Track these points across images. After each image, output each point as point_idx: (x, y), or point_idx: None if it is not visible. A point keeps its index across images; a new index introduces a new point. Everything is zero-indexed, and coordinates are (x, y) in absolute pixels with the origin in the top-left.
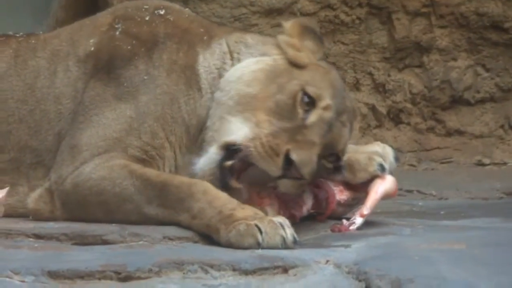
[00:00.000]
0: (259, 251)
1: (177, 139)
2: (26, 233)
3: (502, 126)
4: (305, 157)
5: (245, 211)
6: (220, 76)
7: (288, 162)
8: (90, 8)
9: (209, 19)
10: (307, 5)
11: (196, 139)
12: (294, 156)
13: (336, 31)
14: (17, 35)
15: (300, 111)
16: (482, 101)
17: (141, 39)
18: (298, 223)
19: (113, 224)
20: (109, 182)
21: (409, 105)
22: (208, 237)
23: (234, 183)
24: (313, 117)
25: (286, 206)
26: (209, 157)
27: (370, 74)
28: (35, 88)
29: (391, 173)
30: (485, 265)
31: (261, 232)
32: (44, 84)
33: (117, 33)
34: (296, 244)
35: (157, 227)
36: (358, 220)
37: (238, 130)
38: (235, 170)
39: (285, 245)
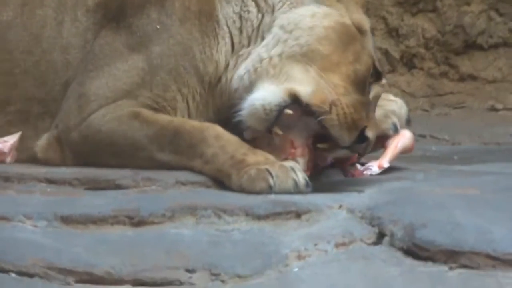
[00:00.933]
0: (272, 196)
1: (190, 90)
2: (38, 178)
3: None
4: (374, 137)
5: (257, 157)
6: (242, 19)
7: (362, 138)
8: None
9: None
10: None
11: (213, 87)
12: (370, 134)
13: None
14: None
15: (367, 85)
16: (495, 46)
17: None
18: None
19: (126, 169)
20: (120, 134)
21: (422, 50)
22: (221, 182)
23: (277, 130)
24: (373, 92)
25: (314, 157)
26: (273, 98)
27: (383, 18)
28: (42, 39)
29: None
30: (498, 210)
31: (272, 176)
32: (50, 34)
33: None
34: (308, 188)
35: (170, 172)
36: (375, 169)
37: (307, 83)
38: (286, 118)
39: (297, 189)
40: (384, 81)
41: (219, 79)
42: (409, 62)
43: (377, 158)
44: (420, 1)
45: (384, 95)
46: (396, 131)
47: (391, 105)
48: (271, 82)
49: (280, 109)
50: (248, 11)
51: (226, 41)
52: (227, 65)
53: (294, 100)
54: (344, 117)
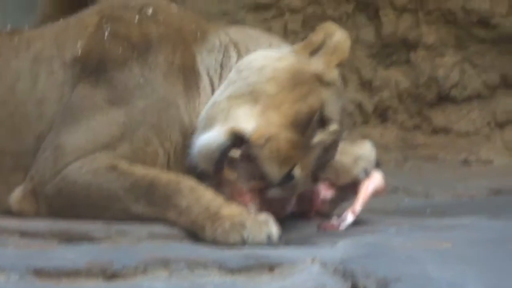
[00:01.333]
0: (245, 250)
1: (172, 144)
2: (11, 230)
3: (488, 124)
4: (303, 178)
5: (231, 209)
6: (224, 67)
7: (289, 176)
8: (77, 3)
9: (195, 13)
10: (294, 1)
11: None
12: (297, 172)
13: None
14: (1, 31)
15: (311, 128)
16: (468, 98)
17: (133, 42)
18: (283, 221)
19: (99, 221)
20: (96, 187)
21: (395, 102)
22: (194, 235)
23: (228, 174)
24: (318, 138)
25: (269, 204)
26: (215, 138)
27: (357, 70)
28: (16, 91)
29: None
30: (471, 264)
31: (245, 229)
32: (25, 86)
33: (106, 35)
34: (281, 241)
35: (143, 225)
36: (349, 218)
37: (249, 120)
38: (234, 160)
39: (270, 242)
40: (333, 128)
41: None
42: (382, 114)
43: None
44: (393, 53)
45: (351, 142)
46: (366, 175)
47: (359, 150)
48: (219, 124)
49: (223, 148)
50: (229, 58)
51: (207, 92)
52: None
53: (237, 138)
54: (276, 151)
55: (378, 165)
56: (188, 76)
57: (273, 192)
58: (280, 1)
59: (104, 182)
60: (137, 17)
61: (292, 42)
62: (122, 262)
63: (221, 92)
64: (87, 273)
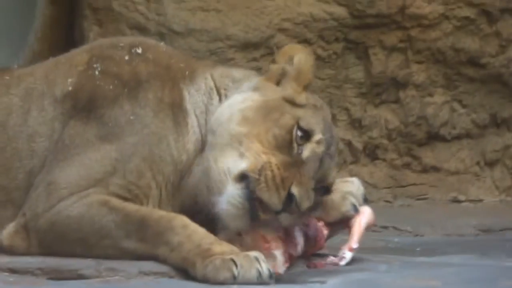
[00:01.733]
0: (235, 287)
1: (164, 178)
2: (1, 267)
3: (478, 163)
4: (305, 193)
5: (222, 247)
6: (207, 111)
7: (290, 197)
8: (66, 41)
9: (184, 52)
10: (283, 39)
11: (183, 177)
12: (295, 191)
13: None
14: None
15: (295, 145)
16: (458, 137)
17: (123, 79)
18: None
19: (89, 259)
20: (88, 220)
21: (385, 141)
22: (184, 273)
23: (263, 215)
24: (307, 151)
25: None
26: (232, 193)
27: (347, 109)
28: (7, 126)
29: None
30: None
31: (236, 266)
32: (16, 122)
33: (96, 72)
34: (271, 279)
35: (133, 262)
36: (348, 255)
37: (241, 159)
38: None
39: (260, 279)
40: (318, 137)
41: (189, 167)
42: (371, 153)
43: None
44: (382, 92)
45: (339, 180)
46: (356, 211)
47: (347, 186)
48: (222, 181)
49: (247, 196)
50: (212, 103)
51: (195, 130)
52: (196, 155)
53: (243, 177)
54: (272, 178)
55: (366, 200)
56: (177, 113)
57: (285, 220)
58: (269, 40)
59: (96, 216)
60: (127, 56)
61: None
62: None
63: (208, 160)
64: None
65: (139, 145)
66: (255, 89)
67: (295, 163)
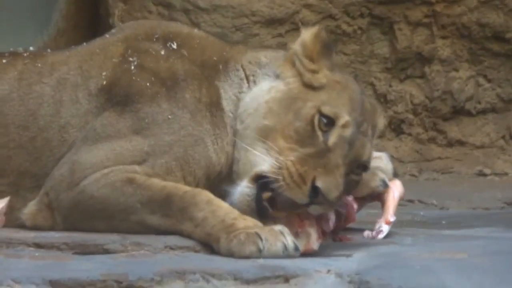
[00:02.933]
0: (260, 261)
1: (195, 179)
2: (27, 243)
3: (503, 137)
4: (331, 183)
5: (246, 221)
6: (238, 100)
7: (315, 189)
8: (91, 18)
9: (219, 39)
10: (308, 15)
11: (225, 177)
12: (319, 183)
13: (337, 41)
14: (25, 54)
15: (319, 134)
16: (483, 111)
17: (160, 77)
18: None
19: (114, 234)
20: (113, 200)
21: (410, 116)
22: (209, 247)
23: (276, 213)
24: (333, 137)
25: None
26: (242, 191)
27: (372, 84)
28: (38, 115)
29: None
30: (487, 274)
31: (261, 240)
32: (47, 112)
33: (132, 67)
34: (297, 251)
35: (158, 237)
36: (385, 228)
37: (264, 161)
38: (273, 200)
39: (286, 252)
40: (343, 120)
41: (231, 167)
42: (397, 127)
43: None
44: (408, 67)
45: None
46: (385, 186)
47: (376, 162)
48: (242, 174)
49: (255, 197)
50: (242, 91)
51: (231, 125)
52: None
53: (258, 179)
54: (289, 177)
55: (396, 174)
56: (215, 113)
57: (314, 211)
58: (294, 15)
59: (121, 195)
60: (162, 51)
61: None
62: (137, 273)
63: (238, 146)
64: (102, 284)
65: (175, 145)
66: (277, 76)
67: (321, 153)
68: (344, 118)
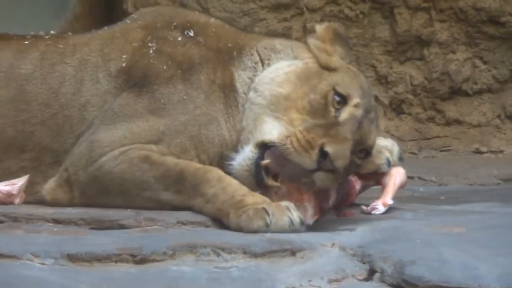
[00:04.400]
0: (268, 235)
1: (209, 158)
2: (45, 218)
3: (498, 116)
4: (339, 150)
5: (255, 198)
6: (252, 82)
7: (323, 155)
8: (106, 3)
9: (235, 26)
10: (313, 0)
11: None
12: (328, 148)
13: (330, 22)
14: (47, 36)
15: (332, 109)
16: (479, 92)
17: (177, 60)
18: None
19: (129, 210)
20: (130, 175)
21: (410, 96)
22: (220, 222)
23: (270, 182)
24: (344, 114)
25: (317, 200)
26: (245, 155)
27: (373, 66)
28: (60, 93)
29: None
30: (484, 247)
31: (268, 215)
32: (69, 91)
33: (151, 51)
34: (303, 226)
35: (170, 212)
36: (381, 208)
37: (273, 129)
38: (271, 169)
39: (292, 227)
40: (355, 101)
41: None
42: (397, 107)
43: (370, 198)
44: (407, 50)
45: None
46: (389, 166)
47: (383, 141)
48: (249, 140)
49: (254, 162)
50: (257, 74)
51: (244, 106)
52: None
53: (263, 146)
54: (297, 142)
55: (401, 159)
56: (228, 94)
57: (320, 180)
58: (299, 0)
59: (137, 171)
60: (180, 37)
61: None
62: (151, 247)
63: (247, 115)
64: (117, 258)
65: (189, 124)
66: (295, 57)
67: (331, 125)
68: (356, 99)
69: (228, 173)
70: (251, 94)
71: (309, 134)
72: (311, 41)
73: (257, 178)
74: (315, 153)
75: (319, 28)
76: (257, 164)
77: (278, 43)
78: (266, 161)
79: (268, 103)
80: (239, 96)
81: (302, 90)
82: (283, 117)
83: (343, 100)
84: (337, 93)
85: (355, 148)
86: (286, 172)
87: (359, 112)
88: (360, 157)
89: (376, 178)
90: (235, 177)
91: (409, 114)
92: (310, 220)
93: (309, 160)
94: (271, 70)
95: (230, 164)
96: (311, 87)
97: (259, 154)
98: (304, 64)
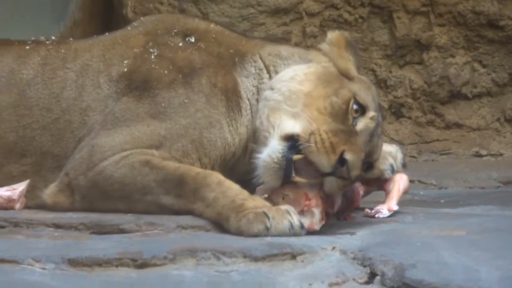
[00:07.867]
0: (268, 239)
1: (211, 161)
2: (46, 223)
3: (498, 119)
4: (356, 160)
5: (255, 202)
6: (259, 90)
7: (341, 161)
8: (105, 9)
9: (236, 32)
10: (312, 5)
11: (239, 158)
12: (348, 156)
13: (339, 29)
14: (48, 41)
15: (350, 117)
16: (479, 95)
17: (178, 65)
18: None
19: (129, 214)
20: (131, 180)
21: (409, 100)
22: (220, 226)
23: (296, 178)
24: (361, 124)
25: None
26: (273, 148)
27: (373, 70)
28: (61, 98)
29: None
30: (484, 250)
31: (269, 218)
32: (70, 95)
33: (152, 56)
34: (303, 229)
35: (171, 217)
36: (385, 212)
37: (295, 123)
38: (297, 165)
39: (293, 231)
40: (372, 113)
41: (245, 149)
42: (397, 111)
43: (374, 201)
44: (407, 54)
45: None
46: (392, 172)
47: (387, 147)
48: (270, 136)
49: (285, 155)
50: (263, 82)
51: (247, 112)
52: (248, 136)
53: (292, 140)
54: (321, 142)
55: (404, 165)
56: (230, 97)
57: (330, 184)
58: (298, 5)
59: (138, 174)
60: (181, 43)
61: (311, 44)
62: (151, 252)
63: (261, 114)
64: (118, 262)
65: (190, 128)
66: (310, 60)
67: (348, 132)
68: (372, 112)
69: (231, 175)
70: (268, 92)
71: (334, 138)
72: (325, 46)
73: (287, 172)
74: (334, 158)
75: (332, 34)
76: (288, 158)
77: (283, 49)
78: (298, 156)
79: (285, 99)
80: (243, 102)
81: (325, 91)
82: (302, 113)
83: (362, 110)
84: (356, 102)
85: (364, 159)
86: (303, 169)
87: (373, 125)
88: (363, 169)
89: (379, 183)
90: (261, 170)
91: (409, 117)
92: (317, 226)
93: (327, 163)
94: (290, 70)
95: (257, 159)
96: (333, 90)
97: (287, 147)
98: (323, 67)
